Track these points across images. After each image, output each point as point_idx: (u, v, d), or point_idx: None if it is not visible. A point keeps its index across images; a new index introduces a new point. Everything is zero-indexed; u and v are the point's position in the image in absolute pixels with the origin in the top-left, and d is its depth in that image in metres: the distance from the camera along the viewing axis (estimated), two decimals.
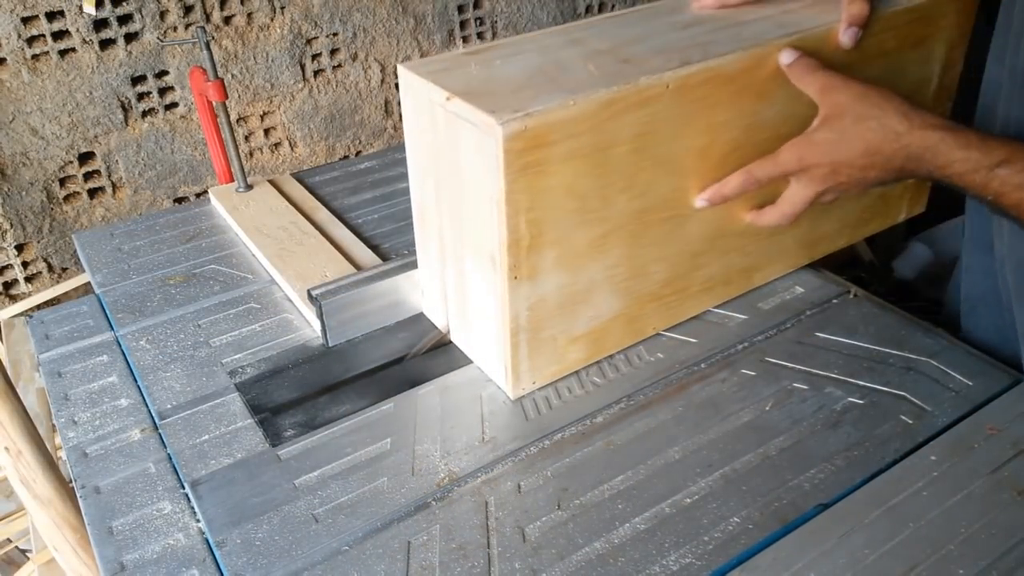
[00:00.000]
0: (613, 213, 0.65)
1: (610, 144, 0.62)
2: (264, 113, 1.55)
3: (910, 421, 0.66)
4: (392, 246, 0.95)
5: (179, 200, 1.54)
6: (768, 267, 0.81)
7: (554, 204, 0.61)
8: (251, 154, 1.58)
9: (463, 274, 0.69)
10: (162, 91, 1.44)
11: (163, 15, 1.38)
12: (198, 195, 1.55)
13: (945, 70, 0.82)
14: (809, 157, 0.66)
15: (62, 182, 1.41)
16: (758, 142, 0.69)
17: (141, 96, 1.42)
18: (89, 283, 1.05)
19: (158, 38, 1.39)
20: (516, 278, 0.63)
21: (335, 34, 1.56)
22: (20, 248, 1.43)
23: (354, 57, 1.60)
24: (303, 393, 0.73)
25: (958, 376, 0.70)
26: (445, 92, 0.61)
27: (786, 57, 0.67)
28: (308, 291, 0.77)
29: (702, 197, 0.69)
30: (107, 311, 0.85)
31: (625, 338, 0.74)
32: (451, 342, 0.77)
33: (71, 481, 0.71)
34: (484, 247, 0.63)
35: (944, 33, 0.79)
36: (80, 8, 1.29)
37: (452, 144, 0.63)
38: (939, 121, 0.62)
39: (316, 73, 1.58)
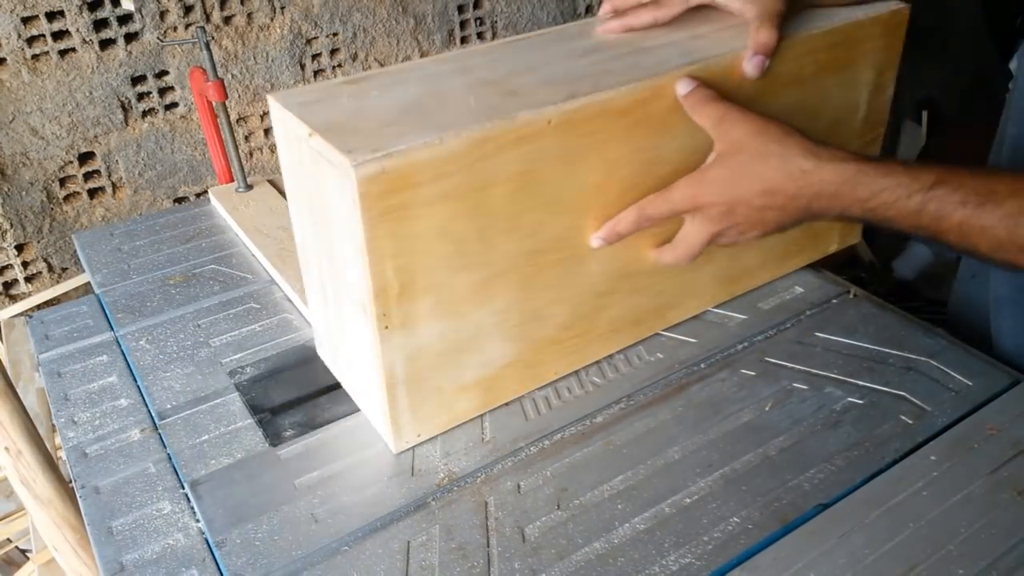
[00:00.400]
0: (498, 256, 0.61)
1: (487, 184, 0.57)
2: (264, 113, 1.55)
3: (910, 421, 0.66)
4: None
5: (179, 200, 1.54)
6: (683, 305, 0.76)
7: (426, 249, 0.57)
8: (251, 154, 1.58)
9: (342, 318, 0.65)
10: (162, 91, 1.44)
11: (163, 15, 1.38)
12: (198, 195, 1.55)
13: (874, 95, 0.77)
14: (702, 196, 0.61)
15: (62, 182, 1.42)
16: (661, 177, 0.64)
17: (141, 96, 1.42)
18: (89, 283, 1.05)
19: (158, 38, 1.39)
20: (387, 328, 0.58)
21: (335, 34, 1.56)
22: (20, 248, 1.43)
23: (354, 57, 1.60)
24: (303, 393, 0.73)
25: (958, 376, 0.70)
26: (307, 127, 0.56)
27: (682, 87, 0.62)
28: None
29: (596, 236, 0.64)
30: (107, 311, 0.85)
31: (523, 385, 0.69)
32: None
33: (71, 481, 0.71)
34: (355, 293, 0.59)
35: (871, 57, 0.74)
36: (87, 6, 1.29)
37: (318, 183, 0.58)
38: (849, 154, 0.58)
39: (316, 73, 1.58)
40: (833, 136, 0.74)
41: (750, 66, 0.64)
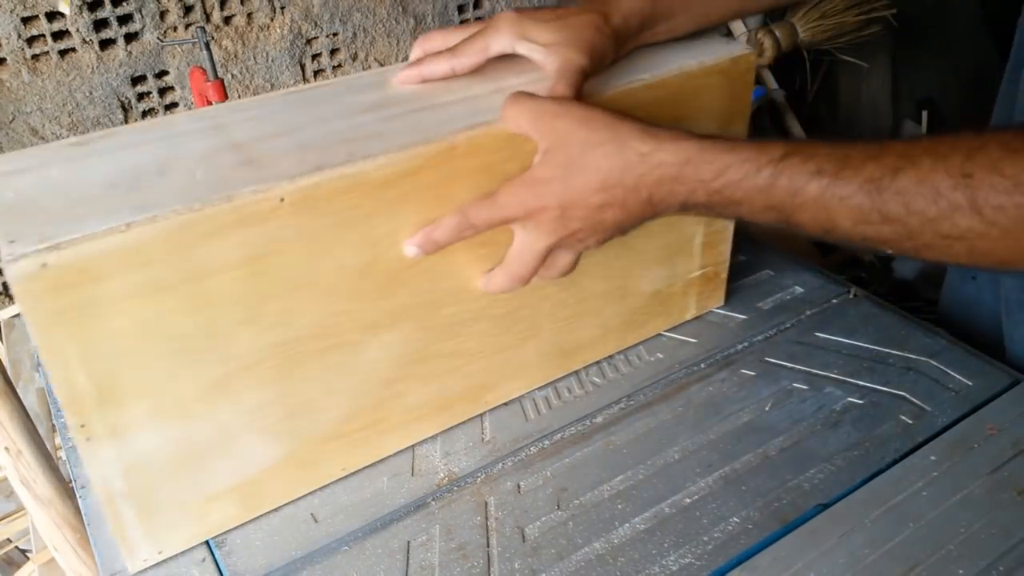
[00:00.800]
0: (239, 350, 0.53)
1: (207, 273, 0.49)
2: None
3: (910, 421, 0.66)
4: None
5: None
6: (503, 386, 0.68)
7: (132, 349, 0.49)
8: None
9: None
10: (162, 91, 1.44)
11: (163, 15, 1.38)
12: None
13: None
14: (531, 199, 0.54)
15: None
16: (451, 249, 0.57)
17: (141, 96, 1.42)
18: None
19: (158, 38, 1.39)
20: (89, 439, 0.50)
21: (335, 34, 1.56)
22: None
23: (354, 57, 1.61)
24: None
25: (958, 376, 0.70)
26: None
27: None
28: None
29: (411, 242, 0.56)
30: None
31: (300, 486, 0.61)
32: None
33: (71, 481, 0.71)
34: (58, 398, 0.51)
35: (711, 108, 0.66)
36: (88, 6, 1.29)
37: None
38: (690, 134, 0.52)
39: (316, 73, 1.58)
40: None
41: None
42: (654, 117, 0.57)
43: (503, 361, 0.66)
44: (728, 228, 0.74)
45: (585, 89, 0.57)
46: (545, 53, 0.58)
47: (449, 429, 0.67)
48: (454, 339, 0.62)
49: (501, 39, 0.59)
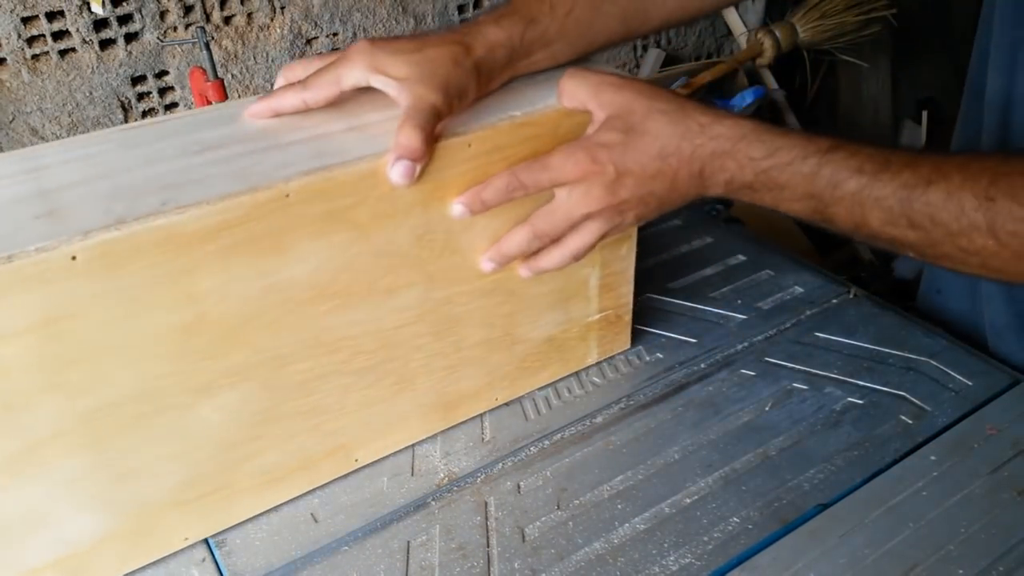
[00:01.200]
0: (41, 420, 0.48)
1: None
2: None
3: (910, 421, 0.66)
4: None
5: None
6: (375, 442, 0.63)
7: None
8: None
9: None
10: (162, 91, 1.44)
11: (163, 15, 1.38)
12: None
13: None
14: (587, 162, 0.54)
15: None
16: (300, 302, 0.53)
17: (141, 96, 1.42)
18: None
19: (158, 38, 1.39)
20: None
21: (335, 34, 1.56)
22: None
23: None
24: None
25: (958, 376, 0.70)
26: None
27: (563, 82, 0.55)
28: None
29: (460, 201, 0.55)
30: None
31: (140, 556, 0.56)
32: None
33: None
34: None
35: None
36: (87, 7, 1.29)
37: None
38: (744, 115, 0.54)
39: None
40: None
41: (393, 173, 0.52)
42: (525, 157, 0.56)
43: (372, 416, 0.61)
44: (628, 270, 0.70)
45: (447, 128, 0.54)
46: (398, 89, 0.54)
47: (449, 429, 0.67)
48: (309, 396, 0.57)
49: (354, 72, 0.55)
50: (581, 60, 0.63)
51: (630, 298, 0.72)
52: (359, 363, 0.58)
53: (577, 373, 0.72)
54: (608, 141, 0.54)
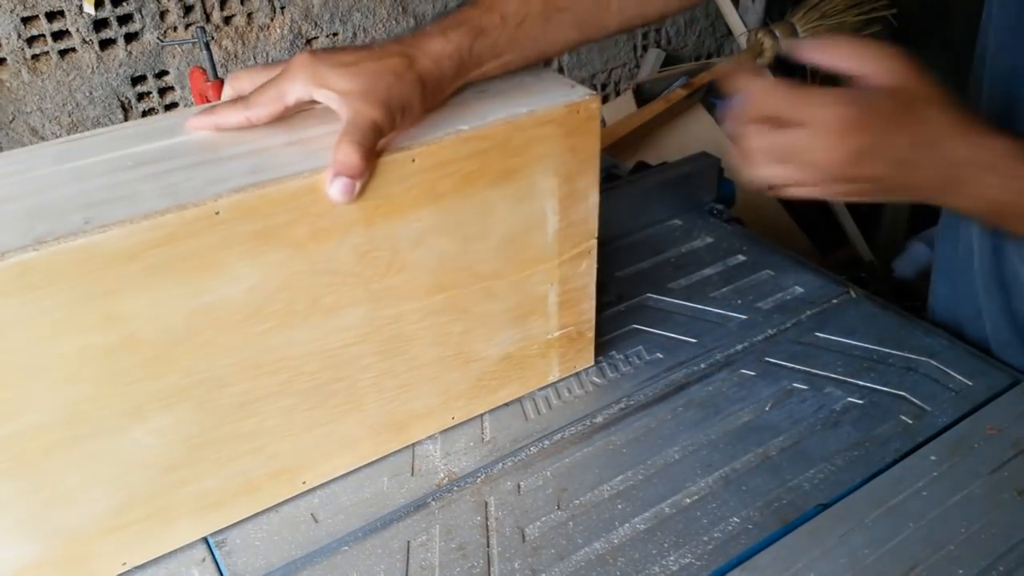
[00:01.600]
0: None
1: None
2: None
3: (910, 421, 0.66)
4: None
5: None
6: (326, 463, 0.61)
7: None
8: None
9: None
10: (162, 91, 1.44)
11: (163, 15, 1.38)
12: None
13: (569, 205, 0.62)
14: (853, 115, 0.48)
15: None
16: (235, 323, 0.51)
17: (141, 96, 1.42)
18: None
19: (158, 38, 1.39)
20: None
21: (335, 34, 1.56)
22: None
23: None
24: None
25: (958, 376, 0.70)
26: None
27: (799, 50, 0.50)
28: None
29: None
30: None
31: None
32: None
33: None
34: None
35: (547, 163, 0.59)
36: (80, 8, 1.30)
37: None
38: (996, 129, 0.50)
39: None
40: (513, 255, 0.62)
41: (331, 191, 0.50)
42: (477, 171, 0.54)
43: (319, 438, 0.60)
44: (589, 285, 0.68)
45: (391, 143, 0.53)
46: (340, 103, 0.52)
47: (449, 429, 0.67)
48: (250, 418, 0.55)
49: (296, 87, 0.53)
50: (538, 74, 0.62)
51: (592, 314, 0.70)
52: (302, 384, 0.56)
53: (577, 373, 0.72)
54: (884, 108, 0.49)
